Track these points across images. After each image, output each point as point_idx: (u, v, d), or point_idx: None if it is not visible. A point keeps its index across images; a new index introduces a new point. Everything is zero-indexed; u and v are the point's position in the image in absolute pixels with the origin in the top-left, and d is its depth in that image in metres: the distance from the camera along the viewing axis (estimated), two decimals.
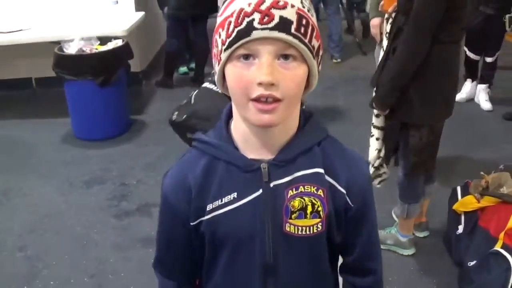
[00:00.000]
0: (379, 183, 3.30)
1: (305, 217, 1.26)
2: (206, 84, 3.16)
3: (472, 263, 2.99)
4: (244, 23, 1.11)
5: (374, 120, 3.18)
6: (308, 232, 1.27)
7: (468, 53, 5.90)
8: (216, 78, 1.23)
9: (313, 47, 1.16)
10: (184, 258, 1.40)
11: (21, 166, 5.08)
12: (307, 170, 1.27)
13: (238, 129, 1.28)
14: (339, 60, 7.72)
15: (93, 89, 5.18)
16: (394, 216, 3.65)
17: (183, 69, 7.51)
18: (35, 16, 6.13)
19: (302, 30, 1.12)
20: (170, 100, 6.53)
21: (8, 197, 4.53)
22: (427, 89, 2.94)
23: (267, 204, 1.26)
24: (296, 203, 1.26)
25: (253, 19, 1.10)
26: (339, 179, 1.29)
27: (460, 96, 5.89)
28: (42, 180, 4.77)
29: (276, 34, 1.10)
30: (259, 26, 1.10)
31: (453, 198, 3.47)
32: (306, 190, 1.26)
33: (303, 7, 1.14)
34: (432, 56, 2.84)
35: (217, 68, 1.21)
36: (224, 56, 1.16)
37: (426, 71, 2.88)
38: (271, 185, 1.26)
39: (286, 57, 1.13)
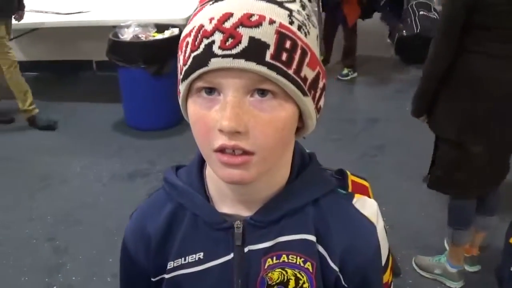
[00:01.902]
0: None
1: None
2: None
3: None
4: (202, 47, 0.81)
5: None
6: None
7: None
8: (182, 111, 0.95)
9: (304, 79, 0.85)
10: None
11: (66, 150, 5.01)
12: (294, 235, 0.98)
13: (212, 175, 0.98)
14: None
15: (146, 78, 5.03)
16: (445, 244, 3.35)
17: None
18: None
19: (284, 57, 0.81)
20: None
21: (47, 183, 4.44)
22: (449, 99, 2.75)
23: (238, 273, 0.98)
24: (276, 275, 0.97)
25: (213, 42, 0.80)
26: (332, 251, 0.99)
27: None
28: (85, 168, 4.66)
29: (242, 63, 0.79)
30: (219, 52, 0.80)
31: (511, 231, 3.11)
32: (290, 261, 0.97)
33: (291, 22, 0.83)
34: (458, 65, 2.65)
35: (179, 100, 0.93)
36: (182, 88, 0.88)
37: (451, 80, 2.70)
38: (245, 250, 0.97)
39: (263, 92, 0.83)
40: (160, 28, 5.19)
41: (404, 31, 6.62)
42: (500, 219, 3.37)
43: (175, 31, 5.19)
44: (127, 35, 4.98)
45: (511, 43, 2.57)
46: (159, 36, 5.13)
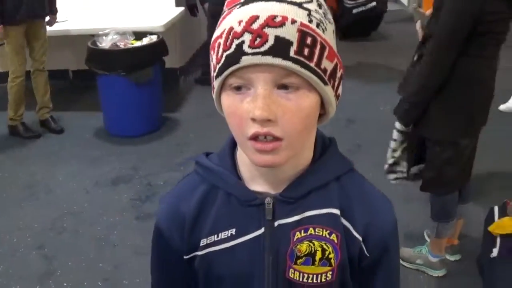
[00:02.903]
0: (394, 179, 3.17)
1: (313, 264, 1.07)
2: None
3: None
4: (233, 47, 0.92)
5: (396, 123, 3.01)
6: (315, 281, 1.08)
7: None
8: (216, 104, 1.06)
9: (324, 70, 0.96)
10: None
11: (50, 159, 5.03)
12: (319, 209, 1.08)
13: (243, 158, 1.09)
14: None
15: (125, 85, 5.07)
16: (425, 235, 3.46)
17: None
18: (72, 8, 6.07)
19: (306, 52, 0.92)
20: (207, 98, 6.37)
21: (32, 191, 4.47)
22: (449, 103, 2.79)
23: (269, 246, 1.08)
24: (304, 247, 1.07)
25: (243, 42, 0.91)
26: (355, 223, 1.10)
27: (507, 105, 5.55)
28: (69, 176, 4.69)
29: (269, 59, 0.90)
30: (249, 50, 0.90)
31: (490, 219, 3.24)
32: (316, 233, 1.07)
33: (310, 21, 0.93)
34: (457, 69, 2.69)
35: (213, 95, 1.03)
36: (216, 84, 0.99)
37: (449, 84, 2.73)
38: (275, 224, 1.08)
39: (287, 85, 0.94)
40: (138, 35, 5.25)
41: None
42: (478, 208, 3.51)
43: (153, 38, 5.26)
44: (105, 43, 5.03)
45: (501, 44, 2.72)
46: (138, 44, 5.19)
